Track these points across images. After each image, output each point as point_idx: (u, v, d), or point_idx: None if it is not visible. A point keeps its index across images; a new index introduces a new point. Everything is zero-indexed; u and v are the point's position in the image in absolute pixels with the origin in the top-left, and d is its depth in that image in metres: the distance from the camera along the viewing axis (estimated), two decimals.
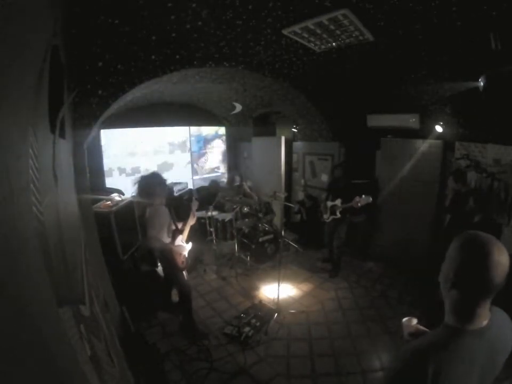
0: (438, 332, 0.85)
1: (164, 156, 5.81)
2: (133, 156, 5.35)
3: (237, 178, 5.41)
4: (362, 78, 3.62)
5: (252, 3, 2.06)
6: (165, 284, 3.20)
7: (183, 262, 2.82)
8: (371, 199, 3.59)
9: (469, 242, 0.81)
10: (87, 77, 2.22)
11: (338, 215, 3.86)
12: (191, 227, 2.99)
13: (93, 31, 2.03)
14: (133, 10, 1.98)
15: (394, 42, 2.62)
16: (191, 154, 6.24)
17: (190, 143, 6.18)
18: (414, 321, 1.23)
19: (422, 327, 1.20)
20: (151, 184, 2.69)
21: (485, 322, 0.82)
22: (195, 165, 6.33)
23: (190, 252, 2.96)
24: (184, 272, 2.89)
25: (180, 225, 2.90)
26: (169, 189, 2.97)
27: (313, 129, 5.09)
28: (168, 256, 2.70)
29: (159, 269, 3.20)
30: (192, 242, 3.02)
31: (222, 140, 6.72)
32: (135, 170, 5.31)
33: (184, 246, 2.85)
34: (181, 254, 2.78)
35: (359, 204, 3.59)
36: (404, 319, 1.25)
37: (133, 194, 2.84)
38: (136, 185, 2.75)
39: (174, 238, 2.79)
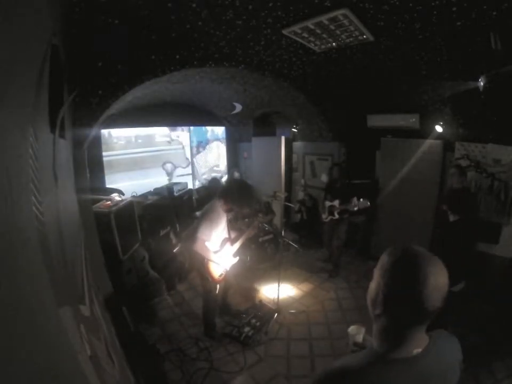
0: (362, 356, 0.76)
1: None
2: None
3: (236, 175, 5.43)
4: (362, 78, 3.62)
5: (251, 3, 2.06)
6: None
7: (221, 275, 2.51)
8: (369, 203, 3.59)
9: (401, 260, 0.71)
10: (87, 77, 2.22)
11: (336, 215, 3.86)
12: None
13: (93, 31, 2.03)
14: (133, 10, 1.98)
15: (394, 42, 2.62)
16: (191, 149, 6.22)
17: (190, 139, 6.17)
18: (362, 330, 1.14)
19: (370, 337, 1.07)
20: (243, 192, 2.37)
21: (416, 351, 0.71)
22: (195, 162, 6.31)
23: (233, 265, 2.63)
24: (217, 285, 2.59)
25: (233, 235, 2.54)
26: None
27: (313, 129, 5.09)
28: (200, 264, 2.41)
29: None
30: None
31: (220, 141, 6.71)
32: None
33: (227, 260, 2.52)
34: (219, 267, 2.45)
35: (355, 208, 3.58)
36: (351, 328, 1.13)
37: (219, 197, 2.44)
38: (224, 190, 2.43)
39: (222, 246, 2.47)
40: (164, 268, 3.64)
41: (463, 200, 2.76)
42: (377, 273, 0.75)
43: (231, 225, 2.54)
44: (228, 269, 2.62)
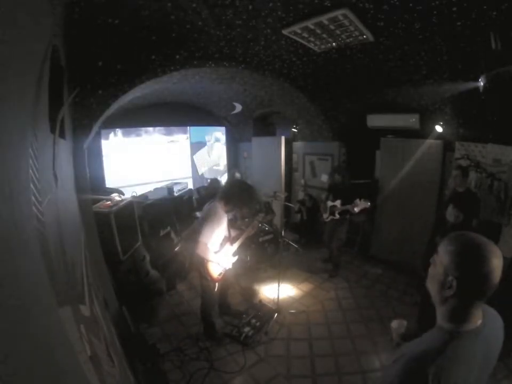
0: (434, 336, 0.83)
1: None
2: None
3: (237, 175, 5.42)
4: (362, 78, 3.62)
5: (251, 3, 2.06)
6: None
7: (220, 274, 2.51)
8: (369, 203, 3.59)
9: (468, 246, 0.79)
10: (87, 77, 2.22)
11: (337, 216, 3.86)
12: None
13: (93, 31, 2.03)
14: (133, 10, 1.98)
15: (394, 42, 2.62)
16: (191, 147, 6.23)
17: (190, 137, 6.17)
18: (404, 323, 1.21)
19: (412, 330, 1.18)
20: (243, 193, 2.35)
21: (479, 322, 0.82)
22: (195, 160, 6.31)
23: (233, 264, 2.63)
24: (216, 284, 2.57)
25: (233, 234, 2.53)
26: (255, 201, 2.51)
27: (313, 129, 5.09)
28: (200, 264, 2.40)
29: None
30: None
31: (220, 143, 6.71)
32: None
33: (226, 259, 2.52)
34: (218, 266, 2.45)
35: (355, 209, 3.59)
36: (393, 322, 1.22)
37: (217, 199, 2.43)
38: (224, 191, 2.41)
39: (222, 245, 2.45)
40: (164, 268, 3.64)
41: (467, 204, 2.76)
42: (443, 259, 0.82)
43: (231, 224, 2.52)
44: (228, 268, 2.61)
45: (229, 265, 2.61)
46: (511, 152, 3.03)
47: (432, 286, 0.87)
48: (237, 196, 2.37)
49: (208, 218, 2.36)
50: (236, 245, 2.57)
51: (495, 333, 0.88)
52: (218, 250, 2.48)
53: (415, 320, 2.74)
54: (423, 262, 3.20)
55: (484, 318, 0.84)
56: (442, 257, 0.83)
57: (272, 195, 4.62)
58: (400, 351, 0.86)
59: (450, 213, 2.78)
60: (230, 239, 2.51)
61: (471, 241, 0.79)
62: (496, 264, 0.75)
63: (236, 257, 2.65)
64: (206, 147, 6.50)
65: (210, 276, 2.48)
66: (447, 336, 0.80)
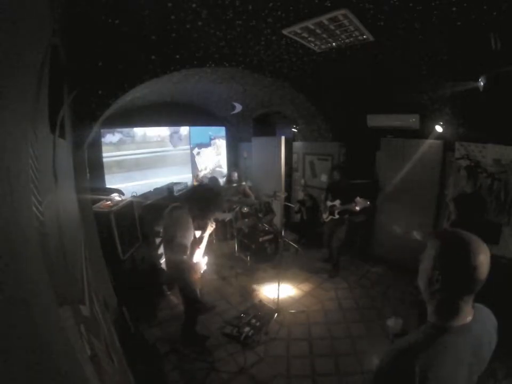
0: (423, 331, 0.85)
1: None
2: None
3: (235, 174, 5.42)
4: (362, 77, 3.62)
5: (251, 3, 2.06)
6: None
7: (198, 278, 2.59)
8: (368, 202, 3.60)
9: (453, 242, 0.81)
10: (87, 77, 2.22)
11: (337, 215, 3.86)
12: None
13: (93, 31, 2.03)
14: (133, 10, 1.98)
15: (394, 42, 2.62)
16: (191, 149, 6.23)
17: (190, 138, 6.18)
18: (400, 321, 1.23)
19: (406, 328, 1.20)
20: (207, 198, 2.42)
21: (469, 319, 0.83)
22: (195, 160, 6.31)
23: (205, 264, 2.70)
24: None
25: (198, 235, 2.57)
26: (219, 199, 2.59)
27: (313, 129, 5.08)
28: (187, 273, 2.44)
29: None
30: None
31: (217, 143, 6.71)
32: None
33: (203, 261, 2.59)
34: (197, 271, 2.52)
35: (356, 208, 3.59)
36: (389, 320, 1.26)
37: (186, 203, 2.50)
38: (191, 194, 2.50)
39: (192, 251, 2.45)
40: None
41: (473, 205, 2.75)
42: (430, 256, 0.84)
43: (197, 227, 2.57)
44: (204, 269, 2.65)
45: (204, 266, 2.65)
46: (511, 152, 3.03)
47: (421, 281, 0.89)
48: (201, 200, 2.46)
49: (182, 222, 2.38)
50: (203, 244, 2.59)
51: (486, 332, 0.89)
52: (191, 253, 2.48)
53: (416, 320, 2.74)
54: None
55: (474, 315, 0.85)
56: (429, 252, 0.85)
57: (272, 195, 4.63)
58: (392, 346, 0.87)
59: (452, 210, 2.78)
60: (198, 241, 2.54)
61: (456, 237, 0.82)
62: (482, 260, 0.77)
63: (206, 258, 2.68)
64: (207, 147, 6.51)
65: (194, 281, 2.52)
66: (434, 331, 0.82)
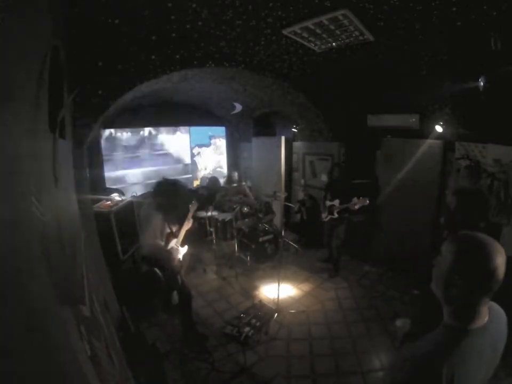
0: (442, 335, 0.85)
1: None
2: None
3: (235, 174, 5.42)
4: (362, 77, 3.62)
5: (251, 3, 2.06)
6: (165, 285, 3.04)
7: (178, 265, 2.69)
8: (368, 201, 3.60)
9: (471, 245, 0.81)
10: (87, 77, 2.22)
11: (336, 215, 3.86)
12: (187, 230, 2.82)
13: (93, 31, 2.03)
14: (133, 10, 1.98)
15: (394, 42, 2.62)
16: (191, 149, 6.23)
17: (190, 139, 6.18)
18: (408, 322, 1.23)
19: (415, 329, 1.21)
20: (169, 194, 2.51)
21: (486, 319, 0.84)
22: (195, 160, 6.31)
23: (185, 254, 2.83)
24: (179, 276, 2.74)
25: (174, 229, 2.73)
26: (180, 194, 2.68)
27: (313, 129, 5.09)
28: (163, 260, 2.57)
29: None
30: (190, 243, 2.89)
31: (217, 143, 6.71)
32: None
33: (178, 249, 2.72)
34: (174, 257, 2.65)
35: (356, 207, 3.59)
36: (398, 321, 1.26)
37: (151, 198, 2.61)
38: (155, 189, 2.58)
39: (167, 241, 2.63)
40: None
41: (475, 205, 2.74)
42: (447, 260, 0.84)
43: (169, 221, 2.65)
44: (181, 258, 2.74)
45: (180, 255, 2.73)
46: (511, 152, 3.03)
47: (437, 286, 0.89)
48: (163, 194, 2.51)
49: (146, 222, 2.50)
50: (180, 237, 2.71)
51: (500, 328, 0.91)
52: (165, 245, 2.59)
53: (417, 319, 2.74)
54: (427, 260, 3.21)
55: (490, 315, 0.86)
56: (446, 257, 0.84)
57: (272, 195, 4.62)
58: (409, 351, 0.88)
59: (451, 200, 2.75)
60: (173, 234, 2.66)
61: (473, 240, 0.81)
62: (501, 261, 0.77)
63: (186, 248, 2.78)
64: (208, 148, 6.51)
65: (173, 268, 2.62)
66: (456, 335, 0.82)
